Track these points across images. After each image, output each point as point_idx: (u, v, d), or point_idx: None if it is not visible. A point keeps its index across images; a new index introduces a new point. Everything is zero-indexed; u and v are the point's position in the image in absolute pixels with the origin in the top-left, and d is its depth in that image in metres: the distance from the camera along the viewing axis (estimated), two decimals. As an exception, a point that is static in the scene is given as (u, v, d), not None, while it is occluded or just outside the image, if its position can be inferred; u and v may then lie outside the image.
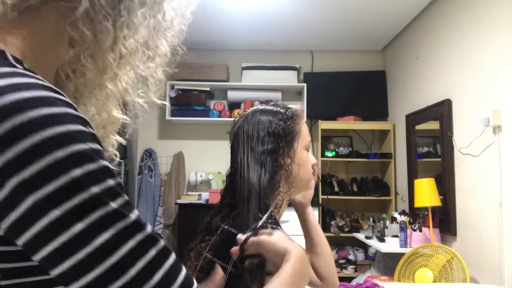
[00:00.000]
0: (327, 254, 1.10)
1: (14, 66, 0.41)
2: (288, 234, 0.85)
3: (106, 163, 0.40)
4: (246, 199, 0.90)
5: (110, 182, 0.39)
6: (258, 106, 1.02)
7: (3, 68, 0.39)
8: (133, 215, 0.40)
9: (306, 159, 0.98)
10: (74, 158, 0.37)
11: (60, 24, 0.47)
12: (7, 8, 0.43)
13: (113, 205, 0.38)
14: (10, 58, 0.42)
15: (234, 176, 0.96)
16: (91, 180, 0.37)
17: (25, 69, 0.42)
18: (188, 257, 0.93)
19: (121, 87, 0.55)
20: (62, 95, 0.41)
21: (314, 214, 1.13)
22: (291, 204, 1.10)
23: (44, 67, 0.47)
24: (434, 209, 2.75)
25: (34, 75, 0.41)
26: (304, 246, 1.12)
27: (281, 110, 0.98)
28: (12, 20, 0.44)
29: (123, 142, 0.62)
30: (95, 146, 0.39)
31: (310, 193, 1.09)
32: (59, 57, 0.49)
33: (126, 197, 0.41)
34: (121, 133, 0.61)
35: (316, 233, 1.10)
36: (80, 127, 0.39)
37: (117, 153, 0.61)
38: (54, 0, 0.46)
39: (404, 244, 2.81)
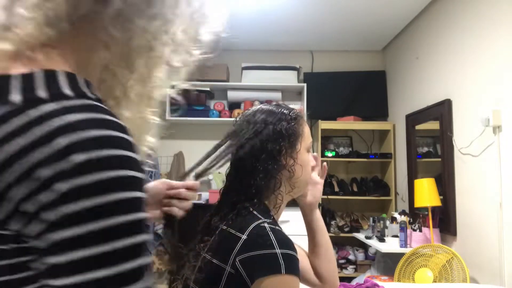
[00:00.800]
0: (330, 256, 1.10)
1: (85, 96, 0.42)
2: (288, 234, 0.85)
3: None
4: (245, 199, 0.90)
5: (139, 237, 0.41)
6: (260, 106, 1.01)
7: (80, 101, 0.41)
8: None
9: (308, 160, 0.98)
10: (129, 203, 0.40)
11: (97, 28, 0.46)
12: (58, 21, 0.42)
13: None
14: (81, 81, 0.43)
15: (234, 176, 0.96)
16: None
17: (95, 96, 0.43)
18: (187, 258, 0.93)
19: (153, 88, 0.55)
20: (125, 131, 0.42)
21: (320, 215, 1.12)
22: (298, 203, 1.10)
23: (91, 75, 0.47)
24: (434, 209, 2.75)
25: (104, 107, 0.42)
26: (304, 246, 1.12)
27: (284, 110, 0.98)
28: (63, 33, 0.43)
29: (155, 146, 0.61)
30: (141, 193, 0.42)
31: (319, 192, 1.09)
32: (101, 61, 0.49)
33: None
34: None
35: (321, 234, 1.10)
36: (133, 173, 0.40)
37: (153, 151, 0.61)
38: (92, 4, 0.45)
39: (404, 244, 2.81)
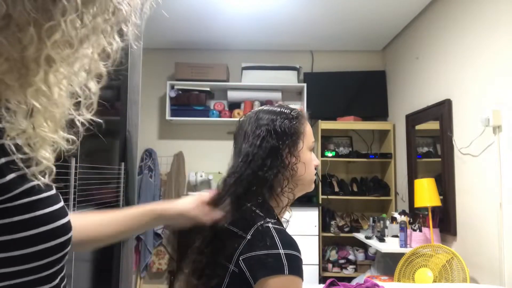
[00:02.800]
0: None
1: None
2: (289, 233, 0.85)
3: None
4: (249, 198, 0.90)
5: None
6: (262, 107, 1.02)
7: None
8: None
9: (310, 159, 0.98)
10: None
11: None
12: None
13: None
14: None
15: (237, 175, 0.96)
16: None
17: None
18: (190, 257, 0.93)
19: (54, 99, 0.51)
20: None
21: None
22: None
23: None
24: (434, 209, 2.75)
25: None
26: (304, 245, 1.12)
27: (286, 110, 0.99)
28: None
29: (75, 138, 0.58)
30: None
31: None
32: None
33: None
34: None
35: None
36: None
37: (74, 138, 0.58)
38: None
39: (404, 244, 2.81)
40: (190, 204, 0.92)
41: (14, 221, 0.46)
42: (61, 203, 0.53)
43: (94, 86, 0.55)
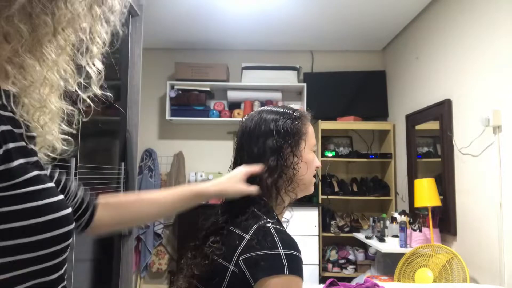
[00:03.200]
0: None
1: None
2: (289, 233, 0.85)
3: None
4: (250, 198, 0.90)
5: None
6: (265, 107, 1.02)
7: None
8: None
9: (312, 159, 0.99)
10: None
11: None
12: None
13: None
14: None
15: None
16: None
17: None
18: (189, 257, 0.93)
19: (61, 78, 0.55)
20: None
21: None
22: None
23: None
24: (434, 209, 2.75)
25: None
26: (304, 246, 1.12)
27: (288, 111, 0.99)
28: None
29: (73, 131, 0.62)
30: None
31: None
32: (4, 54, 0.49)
33: None
34: (70, 122, 0.61)
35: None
36: None
37: (70, 139, 0.61)
38: None
39: (404, 244, 2.81)
40: (226, 182, 0.93)
41: (20, 208, 0.46)
42: (62, 195, 0.54)
43: (98, 63, 0.58)
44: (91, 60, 0.57)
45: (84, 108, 0.61)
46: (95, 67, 0.58)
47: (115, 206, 0.85)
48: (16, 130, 0.49)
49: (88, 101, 0.60)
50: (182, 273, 0.92)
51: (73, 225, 0.54)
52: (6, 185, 0.45)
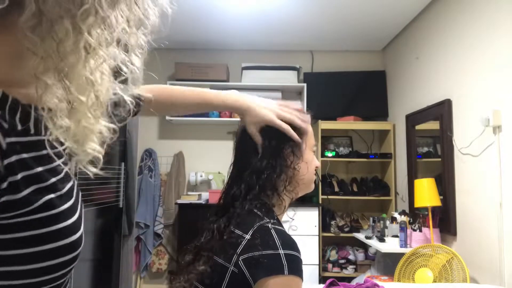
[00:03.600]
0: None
1: None
2: (290, 233, 0.85)
3: None
4: (250, 198, 0.90)
5: None
6: None
7: None
8: None
9: (312, 159, 0.99)
10: None
11: (17, 34, 0.44)
12: None
13: None
14: None
15: (238, 175, 0.96)
16: None
17: None
18: (189, 257, 0.93)
19: (98, 84, 0.50)
20: None
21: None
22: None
23: (17, 76, 0.46)
24: (434, 209, 2.75)
25: None
26: (304, 245, 1.12)
27: None
28: None
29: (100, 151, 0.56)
30: None
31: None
32: (23, 67, 0.46)
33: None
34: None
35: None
36: None
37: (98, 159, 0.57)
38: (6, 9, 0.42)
39: (404, 244, 2.81)
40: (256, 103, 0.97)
41: (30, 235, 0.46)
42: (76, 216, 0.52)
43: (137, 60, 0.54)
44: (128, 56, 0.52)
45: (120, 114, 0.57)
46: (133, 65, 0.53)
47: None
48: (34, 154, 0.47)
49: (130, 105, 0.56)
50: (181, 274, 0.92)
51: (79, 250, 0.53)
52: (13, 214, 0.45)
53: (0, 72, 0.45)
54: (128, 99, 0.55)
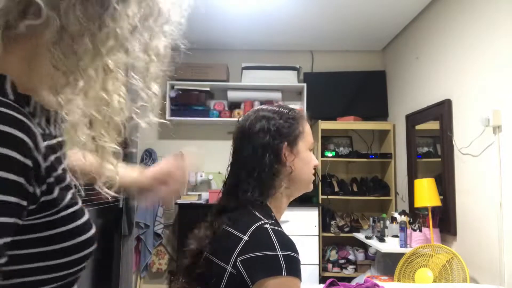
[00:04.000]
0: None
1: (4, 95, 0.43)
2: (288, 234, 0.85)
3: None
4: (247, 199, 0.90)
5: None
6: (261, 106, 1.02)
7: None
8: None
9: (309, 159, 0.98)
10: None
11: (39, 47, 0.46)
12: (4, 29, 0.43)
13: None
14: (7, 85, 0.44)
15: (235, 176, 0.96)
16: None
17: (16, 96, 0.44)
18: (187, 258, 0.93)
19: (115, 106, 0.52)
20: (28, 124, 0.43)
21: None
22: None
23: (36, 87, 0.48)
24: (434, 209, 2.75)
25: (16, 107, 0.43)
26: (304, 245, 1.12)
27: (284, 110, 0.99)
28: (11, 41, 0.44)
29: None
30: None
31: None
32: (45, 80, 0.48)
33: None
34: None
35: None
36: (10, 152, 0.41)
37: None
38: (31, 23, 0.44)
39: (404, 244, 2.81)
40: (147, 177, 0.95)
41: (58, 232, 0.48)
42: (87, 215, 0.55)
43: (155, 87, 0.55)
44: (147, 83, 0.54)
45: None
46: (151, 91, 0.54)
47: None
48: (55, 156, 0.50)
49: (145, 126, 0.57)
50: (180, 274, 0.92)
51: (96, 243, 0.55)
52: (49, 213, 0.47)
53: (22, 78, 0.46)
54: (144, 125, 0.57)
